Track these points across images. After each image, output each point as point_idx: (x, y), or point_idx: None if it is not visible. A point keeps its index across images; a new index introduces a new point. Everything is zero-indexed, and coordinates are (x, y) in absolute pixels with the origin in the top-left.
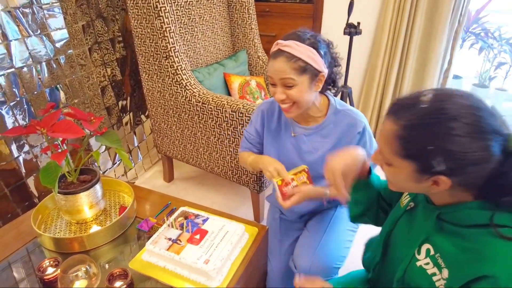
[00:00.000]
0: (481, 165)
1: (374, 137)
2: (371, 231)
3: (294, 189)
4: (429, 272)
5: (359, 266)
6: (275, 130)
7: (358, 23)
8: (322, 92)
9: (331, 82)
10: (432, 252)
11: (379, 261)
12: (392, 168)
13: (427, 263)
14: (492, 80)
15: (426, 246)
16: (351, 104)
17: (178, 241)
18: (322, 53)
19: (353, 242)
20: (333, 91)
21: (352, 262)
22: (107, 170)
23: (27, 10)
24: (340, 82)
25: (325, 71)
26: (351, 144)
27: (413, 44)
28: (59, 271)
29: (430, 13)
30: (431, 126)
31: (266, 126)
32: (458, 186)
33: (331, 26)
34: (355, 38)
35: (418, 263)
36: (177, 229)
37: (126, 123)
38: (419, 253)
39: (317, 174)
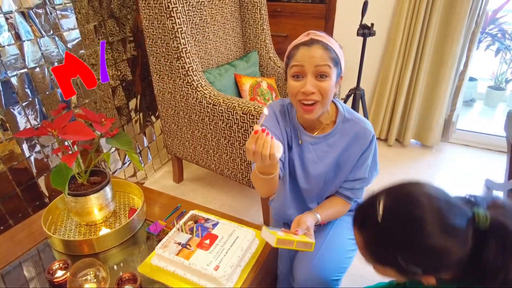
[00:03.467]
0: (455, 257)
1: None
2: None
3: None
4: None
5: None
6: (287, 130)
7: (372, 24)
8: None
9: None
10: None
11: None
12: (378, 269)
13: None
14: (509, 82)
15: None
16: (364, 106)
17: (188, 246)
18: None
19: (356, 251)
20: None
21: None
22: (116, 170)
23: (40, 11)
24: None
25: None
26: (356, 154)
27: (428, 45)
28: (68, 274)
29: (446, 13)
30: (392, 239)
31: (280, 125)
32: (443, 276)
33: (344, 27)
34: (368, 39)
35: None
36: (186, 233)
37: (136, 122)
38: None
39: (317, 186)
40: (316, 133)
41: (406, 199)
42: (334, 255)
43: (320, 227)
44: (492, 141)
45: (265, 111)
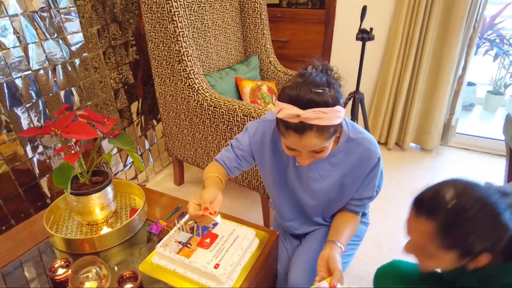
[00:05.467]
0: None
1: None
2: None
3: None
4: None
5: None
6: (282, 153)
7: (371, 29)
8: None
9: None
10: None
11: None
12: (433, 259)
13: None
14: (508, 87)
15: None
16: (363, 110)
17: (188, 245)
18: (340, 98)
19: (354, 256)
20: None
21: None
22: (118, 172)
23: (45, 14)
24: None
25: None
26: (361, 176)
27: (427, 50)
28: (69, 271)
29: (444, 18)
30: (468, 220)
31: (269, 148)
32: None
33: (343, 32)
34: (367, 43)
35: None
36: (187, 232)
37: (137, 125)
38: None
39: (321, 202)
40: None
41: (475, 184)
42: None
43: (317, 233)
44: (491, 145)
45: (218, 219)
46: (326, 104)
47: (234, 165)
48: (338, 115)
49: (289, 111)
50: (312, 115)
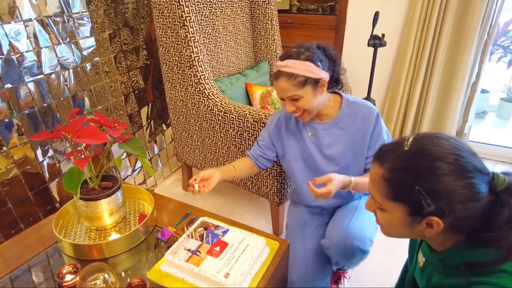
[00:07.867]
0: (469, 203)
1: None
2: None
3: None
4: None
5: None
6: (295, 130)
7: (383, 35)
8: (331, 90)
9: (334, 81)
10: None
11: None
12: (385, 213)
13: None
14: None
15: None
16: None
17: (198, 253)
18: (318, 61)
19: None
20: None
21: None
22: (127, 177)
23: (58, 19)
24: (345, 78)
25: (325, 76)
26: (367, 132)
27: (439, 56)
28: (77, 278)
29: (457, 25)
30: (415, 167)
31: (284, 130)
32: (451, 228)
33: (355, 38)
34: (379, 49)
35: None
36: (196, 239)
37: (147, 129)
38: None
39: (339, 166)
40: (325, 119)
41: (437, 135)
42: (363, 225)
43: (347, 207)
44: (505, 153)
45: (196, 187)
46: (298, 58)
47: (258, 154)
48: (307, 68)
49: (276, 63)
50: (283, 64)
